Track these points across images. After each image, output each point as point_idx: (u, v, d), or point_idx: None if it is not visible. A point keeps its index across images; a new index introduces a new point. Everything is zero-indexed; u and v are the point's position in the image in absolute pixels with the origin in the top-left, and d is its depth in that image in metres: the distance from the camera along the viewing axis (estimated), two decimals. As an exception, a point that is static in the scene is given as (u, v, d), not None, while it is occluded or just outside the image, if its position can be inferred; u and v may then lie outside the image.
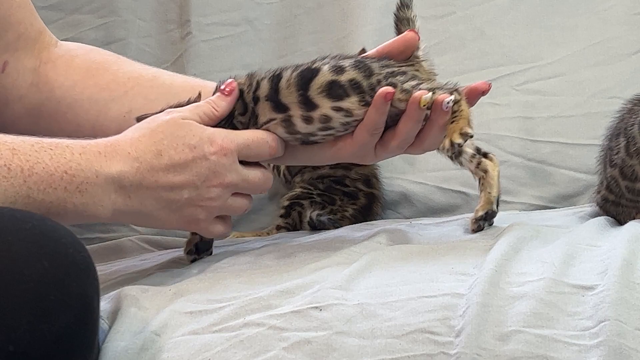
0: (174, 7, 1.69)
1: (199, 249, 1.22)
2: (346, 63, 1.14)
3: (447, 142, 1.13)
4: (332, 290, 0.95)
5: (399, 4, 1.26)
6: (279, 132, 1.16)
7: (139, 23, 1.66)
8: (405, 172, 1.54)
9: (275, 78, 1.15)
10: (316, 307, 0.92)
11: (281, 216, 1.52)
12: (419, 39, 1.22)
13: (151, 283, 1.10)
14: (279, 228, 1.52)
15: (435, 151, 1.20)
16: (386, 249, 1.10)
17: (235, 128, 1.17)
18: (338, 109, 1.13)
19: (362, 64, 1.14)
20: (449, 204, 1.52)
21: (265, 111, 1.15)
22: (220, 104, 1.16)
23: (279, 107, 1.15)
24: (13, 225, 0.88)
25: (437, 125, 1.15)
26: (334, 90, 1.13)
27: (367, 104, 1.13)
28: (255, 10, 1.68)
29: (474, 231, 1.18)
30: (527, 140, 1.53)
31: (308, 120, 1.14)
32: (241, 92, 1.17)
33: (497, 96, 1.56)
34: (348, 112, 1.13)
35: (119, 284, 1.14)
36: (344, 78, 1.13)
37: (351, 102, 1.13)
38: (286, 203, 1.52)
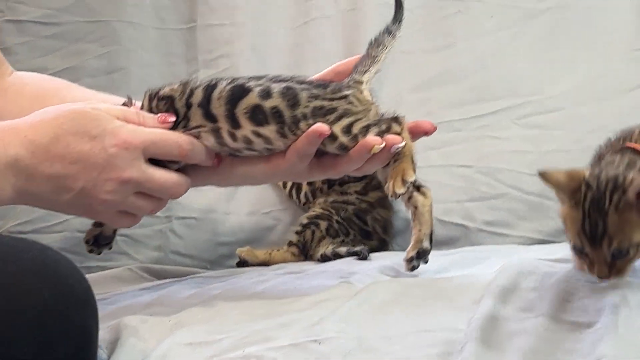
0: (178, 42, 1.70)
1: (98, 242, 1.22)
2: (276, 88, 1.13)
3: (390, 188, 1.12)
4: (331, 324, 0.95)
5: (384, 30, 1.24)
6: (210, 141, 1.14)
7: (141, 53, 1.67)
8: (406, 205, 1.54)
9: (210, 88, 1.14)
10: (315, 340, 0.92)
11: (296, 232, 1.53)
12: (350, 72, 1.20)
13: (151, 313, 1.10)
14: (290, 244, 1.53)
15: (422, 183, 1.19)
16: (385, 282, 1.10)
17: None
18: (258, 135, 1.12)
19: (290, 92, 1.12)
20: (449, 237, 1.52)
21: (196, 117, 1.14)
22: (148, 122, 1.14)
23: (209, 116, 1.13)
24: (14, 255, 0.88)
25: (380, 162, 1.14)
26: (257, 115, 1.12)
27: (285, 136, 1.12)
28: (259, 39, 1.69)
29: (410, 271, 1.16)
30: (526, 174, 1.53)
31: (233, 137, 1.13)
32: (172, 98, 1.15)
33: (497, 129, 1.58)
34: (267, 140, 1.13)
35: (118, 313, 1.14)
36: (267, 104, 1.12)
37: (270, 131, 1.12)
38: (305, 221, 1.53)
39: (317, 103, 1.12)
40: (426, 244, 1.17)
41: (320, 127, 1.10)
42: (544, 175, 1.05)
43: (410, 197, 1.16)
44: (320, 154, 1.14)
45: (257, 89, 1.13)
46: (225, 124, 1.13)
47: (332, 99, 1.13)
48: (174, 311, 1.10)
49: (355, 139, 1.12)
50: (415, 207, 1.17)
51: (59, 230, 1.57)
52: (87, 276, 0.93)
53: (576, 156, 1.52)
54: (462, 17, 1.65)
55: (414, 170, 1.13)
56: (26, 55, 1.63)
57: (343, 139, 1.12)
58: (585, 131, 1.54)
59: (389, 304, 1.01)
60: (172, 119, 1.14)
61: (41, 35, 1.63)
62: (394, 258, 1.29)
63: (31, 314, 0.84)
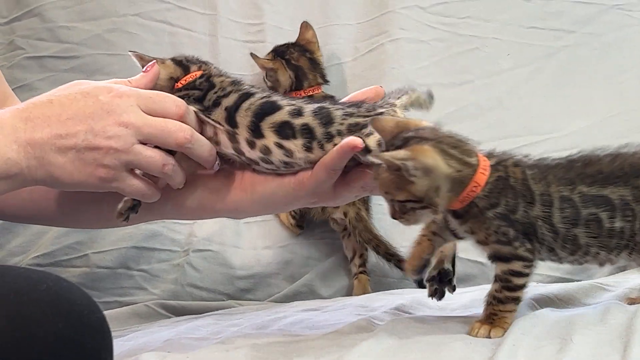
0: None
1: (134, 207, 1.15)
2: (308, 108, 1.13)
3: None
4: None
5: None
6: (223, 140, 1.13)
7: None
8: (422, 242, 1.54)
9: (244, 96, 1.15)
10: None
11: None
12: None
13: (168, 350, 1.10)
14: None
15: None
16: (405, 320, 1.10)
17: None
18: (280, 146, 1.12)
19: (323, 112, 1.12)
20: (466, 274, 1.52)
21: (218, 116, 1.14)
22: (137, 80, 1.13)
23: (231, 121, 1.13)
24: (28, 286, 0.88)
25: None
26: (284, 130, 1.11)
27: (310, 150, 1.11)
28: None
29: (432, 296, 1.14)
30: (545, 212, 1.53)
31: (251, 144, 1.12)
32: (212, 85, 1.16)
33: (515, 167, 1.57)
34: (288, 152, 1.12)
35: (135, 350, 1.14)
36: (297, 122, 1.12)
37: (294, 145, 1.11)
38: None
39: (352, 120, 1.12)
40: (447, 265, 1.16)
41: (354, 140, 1.08)
42: None
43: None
44: (344, 172, 1.12)
45: (288, 107, 1.13)
46: (244, 132, 1.13)
47: (367, 116, 1.12)
48: (192, 348, 1.10)
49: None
50: None
51: (79, 265, 1.58)
52: (105, 312, 0.93)
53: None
54: (479, 54, 1.66)
55: None
56: (47, 89, 1.63)
57: (376, 149, 1.10)
58: (602, 169, 1.54)
59: (408, 341, 1.01)
60: (155, 66, 1.15)
61: (61, 69, 1.65)
62: (414, 294, 1.28)
63: (45, 343, 0.84)
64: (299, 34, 1.65)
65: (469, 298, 1.27)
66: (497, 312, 1.04)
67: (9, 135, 1.04)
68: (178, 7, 1.66)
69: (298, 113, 1.13)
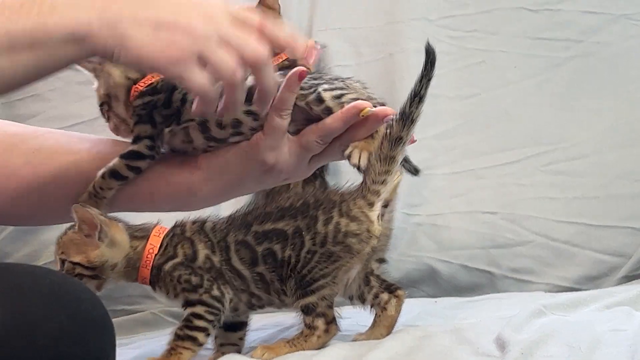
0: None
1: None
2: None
3: (355, 157, 1.09)
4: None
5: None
6: (195, 135, 1.14)
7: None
8: (430, 250, 1.54)
9: None
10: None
11: None
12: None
13: (176, 358, 1.10)
14: None
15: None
16: (411, 329, 1.10)
17: (151, 118, 1.14)
18: (249, 113, 1.11)
19: (285, 72, 1.10)
20: (474, 283, 1.52)
21: (188, 113, 1.13)
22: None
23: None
24: (32, 281, 0.90)
25: (366, 130, 1.10)
26: (248, 96, 1.05)
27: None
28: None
29: None
30: (552, 221, 1.53)
31: (220, 125, 1.12)
32: (174, 88, 1.14)
33: (522, 177, 1.58)
34: (256, 116, 1.11)
35: (142, 358, 1.14)
36: None
37: None
38: None
39: (314, 81, 1.12)
40: None
41: (299, 68, 1.07)
42: None
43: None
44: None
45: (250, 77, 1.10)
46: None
47: (332, 80, 1.13)
48: (199, 356, 1.10)
49: (342, 106, 1.10)
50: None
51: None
52: (112, 320, 0.94)
53: (602, 202, 1.54)
54: (485, 67, 1.65)
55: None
56: (59, 101, 1.64)
57: (330, 103, 1.10)
58: (611, 178, 1.54)
59: (414, 350, 1.01)
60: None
61: (73, 81, 1.65)
62: (424, 306, 1.28)
63: (48, 338, 0.85)
64: None
65: (475, 307, 1.27)
66: (175, 347, 1.07)
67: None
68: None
69: None
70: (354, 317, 1.14)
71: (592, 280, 1.50)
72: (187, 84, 0.99)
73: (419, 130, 1.57)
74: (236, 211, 1.12)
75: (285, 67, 1.46)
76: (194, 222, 1.11)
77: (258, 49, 1.00)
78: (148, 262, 1.08)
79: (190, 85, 0.99)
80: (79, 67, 1.18)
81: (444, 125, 1.63)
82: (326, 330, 1.06)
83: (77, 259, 1.06)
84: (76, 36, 0.96)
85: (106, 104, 1.17)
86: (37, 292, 0.88)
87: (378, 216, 1.08)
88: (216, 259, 1.08)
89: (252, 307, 1.11)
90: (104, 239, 1.07)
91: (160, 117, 1.14)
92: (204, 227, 1.10)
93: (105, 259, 1.07)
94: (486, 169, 1.59)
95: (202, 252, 1.08)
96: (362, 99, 1.10)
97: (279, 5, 1.60)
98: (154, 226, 1.11)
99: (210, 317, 1.07)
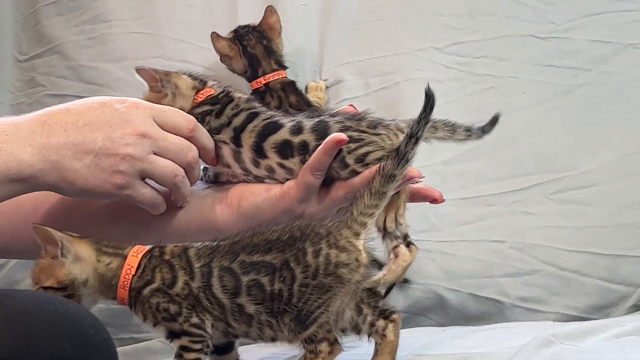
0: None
1: None
2: (308, 124, 1.18)
3: (380, 220, 1.15)
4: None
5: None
6: (227, 153, 1.20)
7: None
8: (439, 279, 1.54)
9: (251, 116, 1.22)
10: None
11: None
12: None
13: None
14: None
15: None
16: (423, 358, 1.10)
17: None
18: (282, 166, 1.18)
19: (320, 126, 1.18)
20: (482, 312, 1.51)
21: (226, 133, 1.21)
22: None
23: (236, 140, 1.20)
24: (36, 306, 0.91)
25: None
26: (284, 150, 1.18)
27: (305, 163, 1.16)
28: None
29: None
30: (561, 250, 1.53)
31: (256, 163, 1.19)
32: (230, 99, 1.23)
33: (531, 205, 1.57)
34: (289, 171, 1.18)
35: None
36: (296, 139, 1.18)
37: (293, 163, 1.17)
38: None
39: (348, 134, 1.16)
40: (381, 289, 1.16)
41: (337, 135, 1.13)
42: None
43: (396, 247, 1.17)
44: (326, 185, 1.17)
45: (289, 124, 1.19)
46: (248, 152, 1.20)
47: (363, 132, 1.17)
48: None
49: (367, 167, 1.15)
50: (396, 256, 1.17)
51: (94, 301, 1.58)
52: (120, 349, 0.94)
53: (611, 231, 1.53)
54: (495, 93, 1.66)
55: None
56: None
57: (355, 167, 1.16)
58: (620, 206, 1.54)
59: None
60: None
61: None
62: (432, 335, 1.28)
63: None
64: (263, 18, 1.62)
65: (484, 336, 1.27)
66: None
67: (25, 138, 1.07)
68: (199, 47, 1.68)
69: (298, 130, 1.18)
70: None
71: (602, 310, 1.49)
72: (136, 200, 1.12)
73: (428, 156, 1.60)
74: (222, 239, 1.11)
75: (286, 82, 1.55)
76: (175, 245, 1.10)
77: (189, 154, 1.14)
78: (126, 282, 1.07)
79: (140, 201, 1.12)
80: (138, 76, 1.24)
81: (452, 151, 1.63)
82: (330, 352, 1.06)
83: (47, 283, 1.05)
84: (21, 176, 1.06)
85: None
86: (40, 318, 0.89)
87: (364, 245, 1.09)
88: (195, 285, 1.06)
89: (226, 336, 1.10)
90: (67, 254, 1.06)
91: (211, 125, 1.21)
92: (186, 252, 1.09)
93: (73, 275, 1.06)
94: (495, 195, 1.59)
95: (181, 278, 1.07)
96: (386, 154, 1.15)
97: (280, 25, 1.62)
98: (132, 246, 1.10)
99: (197, 347, 1.06)
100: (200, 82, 1.25)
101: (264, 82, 1.59)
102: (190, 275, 1.07)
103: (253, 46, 1.61)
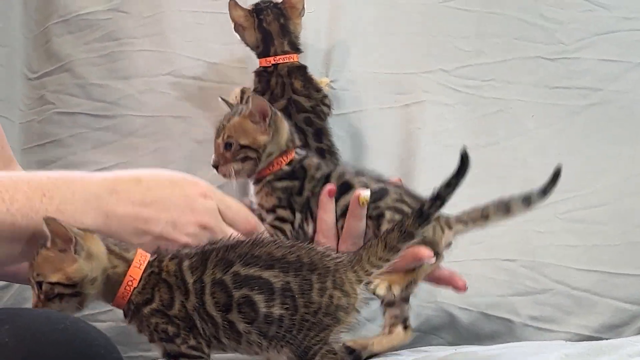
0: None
1: None
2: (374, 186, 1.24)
3: (373, 285, 1.18)
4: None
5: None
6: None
7: (193, 145, 1.67)
8: (450, 297, 1.53)
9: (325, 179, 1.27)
10: None
11: None
12: None
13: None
14: None
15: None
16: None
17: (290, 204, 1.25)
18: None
19: (381, 191, 1.24)
20: (493, 331, 1.51)
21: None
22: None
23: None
24: (46, 326, 0.91)
25: (404, 263, 1.17)
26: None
27: None
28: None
29: None
30: (572, 269, 1.53)
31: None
32: (304, 172, 1.26)
33: (541, 224, 1.57)
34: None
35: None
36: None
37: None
38: None
39: (398, 205, 1.22)
40: (364, 354, 1.22)
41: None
42: None
43: (393, 324, 1.23)
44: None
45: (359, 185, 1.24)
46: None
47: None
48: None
49: None
50: (390, 333, 1.24)
51: (104, 320, 1.57)
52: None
53: (622, 250, 1.53)
54: (503, 116, 1.66)
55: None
56: (78, 147, 1.65)
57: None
58: (631, 225, 1.54)
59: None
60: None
61: (93, 127, 1.65)
62: (443, 355, 1.27)
63: None
64: None
65: (494, 355, 1.26)
66: None
67: (90, 201, 1.06)
68: (209, 64, 1.68)
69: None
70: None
71: (613, 329, 1.49)
72: None
73: (438, 179, 1.59)
74: (215, 242, 1.08)
75: (294, 66, 1.55)
76: (171, 258, 1.06)
77: (250, 221, 1.17)
78: (126, 294, 1.04)
79: None
80: (222, 99, 1.34)
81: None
82: None
83: (55, 278, 1.01)
84: None
85: (252, 151, 1.26)
86: (51, 337, 0.89)
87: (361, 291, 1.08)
88: (189, 305, 1.04)
89: (212, 348, 1.08)
90: (80, 252, 1.02)
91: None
92: (181, 267, 1.05)
93: (84, 273, 1.02)
94: (505, 215, 1.59)
95: (178, 299, 1.04)
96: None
97: (303, 7, 1.60)
98: (135, 252, 1.06)
99: None
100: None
101: (273, 62, 1.56)
102: (185, 294, 1.04)
103: (269, 22, 1.57)
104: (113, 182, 1.08)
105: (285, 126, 1.28)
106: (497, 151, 1.65)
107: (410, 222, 1.06)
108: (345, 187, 1.24)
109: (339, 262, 1.06)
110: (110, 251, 1.05)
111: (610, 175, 1.59)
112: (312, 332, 1.03)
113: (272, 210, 1.25)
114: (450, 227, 1.26)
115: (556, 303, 1.51)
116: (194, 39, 1.68)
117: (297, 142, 1.30)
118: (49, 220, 1.02)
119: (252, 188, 1.29)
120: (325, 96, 1.58)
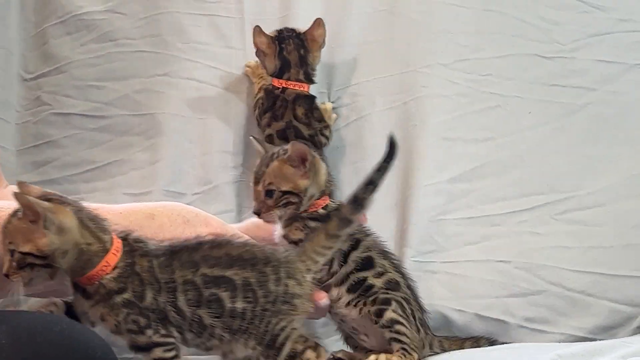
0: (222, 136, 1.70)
1: None
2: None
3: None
4: None
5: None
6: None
7: (186, 144, 1.67)
8: (445, 299, 1.53)
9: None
10: None
11: None
12: None
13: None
14: None
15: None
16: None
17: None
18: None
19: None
20: (488, 332, 1.50)
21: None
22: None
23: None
24: (43, 328, 0.91)
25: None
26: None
27: None
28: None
29: None
30: (567, 270, 1.52)
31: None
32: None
33: (537, 225, 1.57)
34: None
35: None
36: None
37: None
38: None
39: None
40: None
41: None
42: None
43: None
44: None
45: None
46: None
47: None
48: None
49: None
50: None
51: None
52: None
53: (617, 251, 1.53)
54: (500, 112, 1.66)
55: None
56: (73, 147, 1.65)
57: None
58: (627, 227, 1.54)
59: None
60: None
61: (88, 128, 1.66)
62: (438, 356, 1.27)
63: None
64: (310, 27, 1.63)
65: (490, 357, 1.26)
66: None
67: None
68: (206, 66, 1.68)
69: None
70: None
71: (608, 330, 1.49)
72: None
73: (435, 173, 1.60)
74: (177, 244, 1.11)
75: (302, 95, 1.58)
76: (142, 255, 1.09)
77: None
78: (97, 277, 1.05)
79: None
80: (253, 137, 1.36)
81: (459, 169, 1.63)
82: (318, 356, 1.10)
83: (26, 248, 1.03)
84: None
85: (294, 196, 1.27)
86: (47, 339, 0.89)
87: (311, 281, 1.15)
88: (162, 299, 1.07)
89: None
90: (50, 226, 1.03)
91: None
92: (152, 265, 1.08)
93: (55, 246, 1.03)
94: (501, 215, 1.59)
95: (150, 292, 1.07)
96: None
97: (324, 40, 1.63)
98: (112, 237, 1.08)
99: (170, 355, 1.08)
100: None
101: (283, 85, 1.61)
102: (158, 291, 1.07)
103: (290, 51, 1.62)
104: (127, 216, 1.11)
105: (323, 166, 1.30)
106: (494, 147, 1.65)
107: (346, 209, 1.14)
108: (367, 264, 1.27)
109: (288, 254, 1.14)
110: (84, 226, 1.06)
111: (607, 176, 1.59)
112: (273, 319, 1.09)
113: (295, 243, 1.26)
114: None
115: (551, 304, 1.51)
116: (190, 40, 1.69)
117: (334, 182, 1.33)
118: (18, 195, 1.03)
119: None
120: (327, 127, 1.63)
